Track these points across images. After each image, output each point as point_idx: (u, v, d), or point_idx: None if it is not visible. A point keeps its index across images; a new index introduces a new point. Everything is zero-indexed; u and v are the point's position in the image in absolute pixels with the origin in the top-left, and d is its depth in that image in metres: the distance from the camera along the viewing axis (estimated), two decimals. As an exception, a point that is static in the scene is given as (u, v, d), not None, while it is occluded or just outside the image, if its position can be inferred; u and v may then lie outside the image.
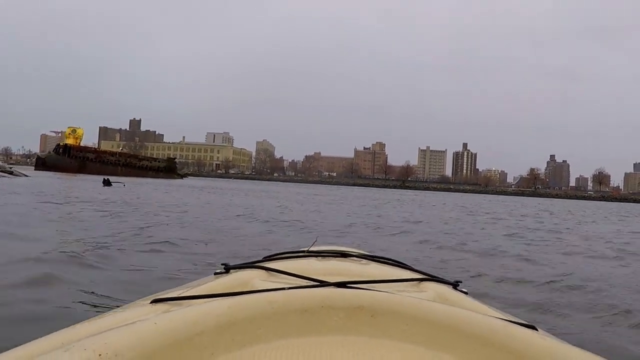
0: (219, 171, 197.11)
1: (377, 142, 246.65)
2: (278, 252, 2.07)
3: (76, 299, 4.42)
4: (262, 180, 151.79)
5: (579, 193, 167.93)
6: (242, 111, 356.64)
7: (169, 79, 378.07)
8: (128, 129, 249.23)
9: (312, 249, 2.09)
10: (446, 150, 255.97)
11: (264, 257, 1.96)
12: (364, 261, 1.88)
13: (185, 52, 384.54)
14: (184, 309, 0.98)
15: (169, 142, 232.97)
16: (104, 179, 36.16)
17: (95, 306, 4.21)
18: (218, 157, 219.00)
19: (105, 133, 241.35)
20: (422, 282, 1.54)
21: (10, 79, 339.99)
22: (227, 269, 1.60)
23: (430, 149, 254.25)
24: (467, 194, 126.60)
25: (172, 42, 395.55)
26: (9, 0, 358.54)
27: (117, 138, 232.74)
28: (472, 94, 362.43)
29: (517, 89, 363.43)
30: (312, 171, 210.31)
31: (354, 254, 2.02)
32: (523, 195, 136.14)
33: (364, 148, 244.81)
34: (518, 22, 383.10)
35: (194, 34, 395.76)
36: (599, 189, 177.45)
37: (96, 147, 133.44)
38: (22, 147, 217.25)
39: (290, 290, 1.08)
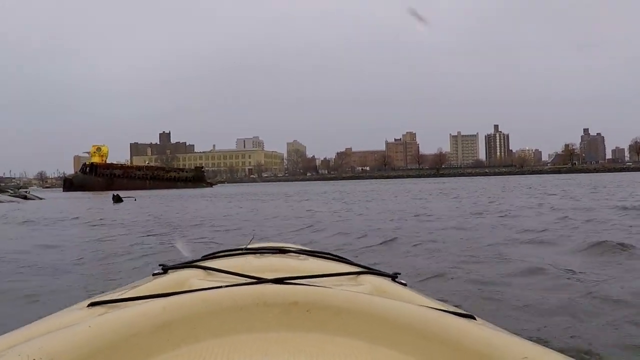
0: (252, 176, 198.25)
1: (407, 132, 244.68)
2: (216, 250, 2.03)
3: None
4: (295, 181, 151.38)
5: (617, 165, 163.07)
6: (270, 114, 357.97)
7: (195, 88, 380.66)
8: (158, 143, 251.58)
9: (250, 246, 2.08)
10: (477, 133, 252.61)
11: (203, 256, 1.94)
12: (302, 257, 1.85)
13: (204, 58, 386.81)
14: (119, 311, 0.97)
15: (199, 152, 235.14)
16: (114, 195, 33.85)
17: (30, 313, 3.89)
18: (250, 162, 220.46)
19: (136, 149, 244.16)
20: (360, 276, 1.54)
21: (41, 106, 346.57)
22: (165, 269, 1.58)
23: (462, 133, 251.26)
24: (505, 176, 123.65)
25: (193, 47, 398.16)
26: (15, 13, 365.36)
27: (149, 152, 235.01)
28: (498, 74, 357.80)
29: (543, 63, 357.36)
30: (344, 167, 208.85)
31: (293, 249, 2.00)
32: (560, 173, 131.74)
33: (395, 139, 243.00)
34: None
35: (207, 37, 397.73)
36: (638, 159, 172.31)
37: (129, 163, 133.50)
38: (57, 170, 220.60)
39: (225, 288, 1.07)
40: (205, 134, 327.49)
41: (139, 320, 0.92)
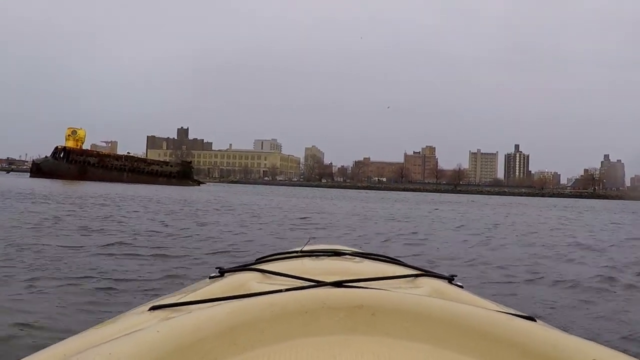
0: (265, 178, 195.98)
1: (427, 146, 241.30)
2: (271, 253, 2.04)
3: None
4: (310, 186, 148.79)
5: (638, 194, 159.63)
6: (290, 117, 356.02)
7: (217, 86, 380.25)
8: (176, 138, 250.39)
9: (305, 248, 2.07)
10: (497, 152, 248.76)
11: (257, 259, 1.94)
12: (358, 259, 1.86)
13: (228, 57, 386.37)
14: (185, 316, 0.98)
15: (215, 150, 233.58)
16: None
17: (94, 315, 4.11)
18: (265, 164, 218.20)
19: (152, 142, 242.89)
20: (417, 278, 1.54)
21: (64, 93, 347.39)
22: (222, 272, 1.59)
23: (481, 151, 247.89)
24: (523, 197, 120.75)
25: (216, 45, 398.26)
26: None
27: (164, 146, 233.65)
28: (523, 92, 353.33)
29: (570, 83, 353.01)
30: (361, 177, 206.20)
31: (348, 252, 2.01)
32: (582, 198, 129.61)
33: (414, 152, 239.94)
34: (574, 14, 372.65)
35: (231, 36, 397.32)
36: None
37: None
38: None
39: (288, 292, 1.08)
40: (224, 133, 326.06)
41: (205, 325, 0.92)
